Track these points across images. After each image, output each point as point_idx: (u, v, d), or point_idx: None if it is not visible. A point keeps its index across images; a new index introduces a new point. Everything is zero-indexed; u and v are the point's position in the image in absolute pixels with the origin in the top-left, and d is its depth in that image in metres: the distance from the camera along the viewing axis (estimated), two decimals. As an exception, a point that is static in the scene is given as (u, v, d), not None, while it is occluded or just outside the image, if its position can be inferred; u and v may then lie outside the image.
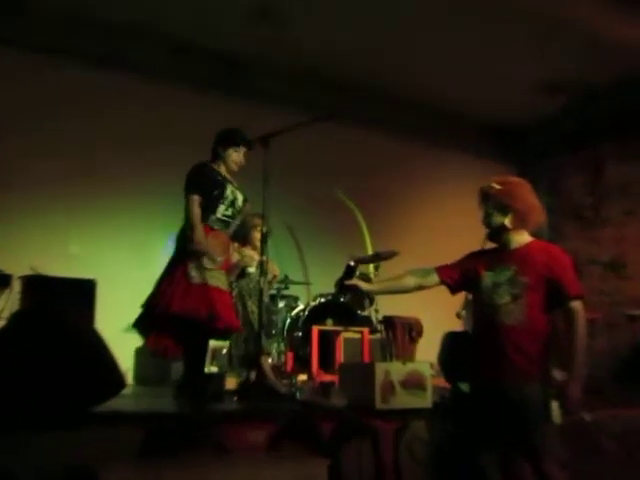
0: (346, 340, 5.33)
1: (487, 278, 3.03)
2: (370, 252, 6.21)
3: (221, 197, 3.86)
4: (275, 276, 5.01)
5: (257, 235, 4.22)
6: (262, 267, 3.79)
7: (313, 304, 5.31)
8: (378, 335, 5.65)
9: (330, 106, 6.23)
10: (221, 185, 3.86)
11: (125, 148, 5.97)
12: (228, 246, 3.95)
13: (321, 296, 5.41)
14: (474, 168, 7.71)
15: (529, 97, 7.22)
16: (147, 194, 5.92)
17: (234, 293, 4.40)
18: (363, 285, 3.12)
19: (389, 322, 5.76)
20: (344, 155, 6.98)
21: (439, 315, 5.51)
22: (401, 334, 5.57)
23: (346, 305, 5.34)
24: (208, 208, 3.81)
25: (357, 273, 4.06)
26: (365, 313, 5.65)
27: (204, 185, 3.78)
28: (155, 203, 5.81)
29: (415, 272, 3.09)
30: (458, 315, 5.53)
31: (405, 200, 7.65)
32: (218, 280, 3.77)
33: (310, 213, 6.80)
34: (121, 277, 5.58)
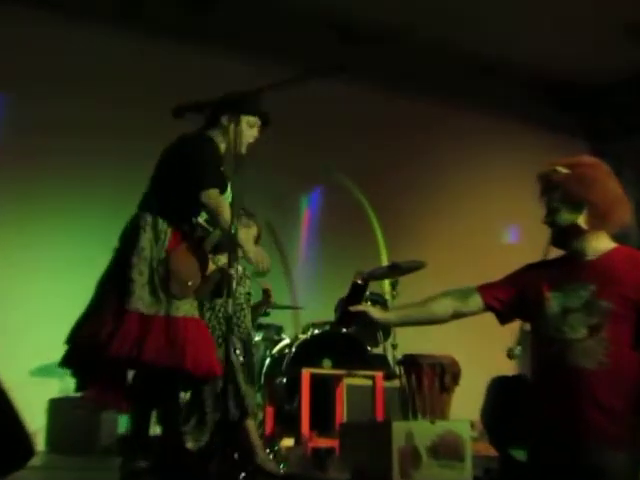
0: (351, 389, 5.56)
1: (553, 302, 3.06)
2: (385, 263, 6.45)
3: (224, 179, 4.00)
4: (269, 296, 5.26)
5: (244, 236, 4.16)
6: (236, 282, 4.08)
7: (303, 337, 5.40)
8: (396, 382, 5.65)
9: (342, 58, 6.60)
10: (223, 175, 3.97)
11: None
12: (207, 265, 4.04)
13: (315, 326, 5.53)
14: (532, 145, 7.97)
15: (611, 45, 7.57)
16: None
17: (207, 318, 4.52)
18: (375, 313, 3.12)
19: (412, 363, 5.61)
20: (344, 128, 7.33)
21: (482, 353, 5.88)
22: (429, 380, 5.47)
23: (351, 339, 5.43)
24: (190, 205, 3.89)
25: (367, 294, 4.31)
26: (378, 350, 5.80)
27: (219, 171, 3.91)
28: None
29: (449, 294, 3.11)
30: (510, 353, 5.53)
31: (434, 193, 7.96)
32: (187, 308, 3.86)
33: (298, 209, 7.20)
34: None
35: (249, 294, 4.99)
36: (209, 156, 3.90)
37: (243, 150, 3.95)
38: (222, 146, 4.03)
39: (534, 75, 8.17)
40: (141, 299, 3.70)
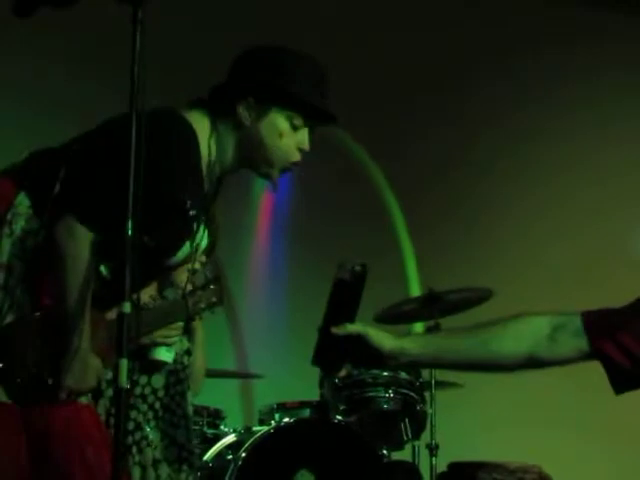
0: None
1: None
2: (417, 293, 5.83)
3: (190, 226, 3.05)
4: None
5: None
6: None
7: (261, 431, 4.50)
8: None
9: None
10: (199, 195, 3.09)
11: None
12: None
13: (282, 410, 4.71)
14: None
15: None
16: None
17: (100, 406, 3.67)
18: (385, 340, 2.39)
19: (465, 478, 4.79)
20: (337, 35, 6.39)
21: (601, 456, 5.38)
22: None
23: (351, 434, 4.51)
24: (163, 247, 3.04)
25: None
26: (402, 454, 4.97)
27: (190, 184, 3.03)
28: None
29: (531, 320, 2.46)
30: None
31: (499, 174, 6.85)
32: None
33: (249, 195, 6.29)
34: None
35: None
36: (180, 144, 3.02)
37: (275, 173, 3.01)
38: (229, 152, 3.06)
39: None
40: None
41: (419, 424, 4.76)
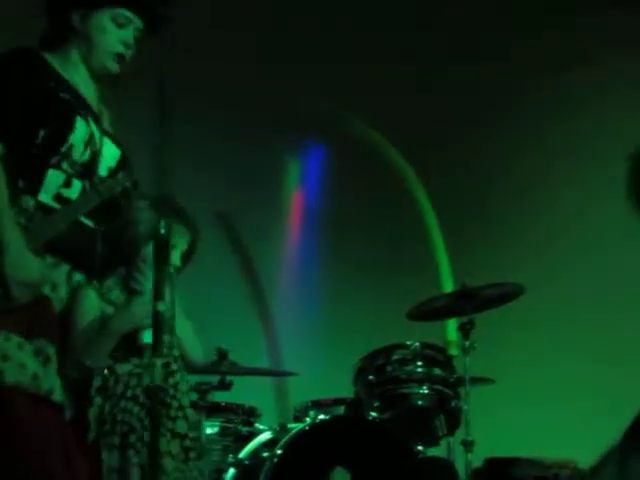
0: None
1: None
2: (450, 289, 5.74)
3: (60, 141, 3.26)
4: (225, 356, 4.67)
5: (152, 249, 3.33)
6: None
7: (296, 429, 4.44)
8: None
9: None
10: (65, 109, 3.28)
11: None
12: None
13: (317, 407, 4.71)
14: None
15: None
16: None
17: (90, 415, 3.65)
18: None
19: (500, 475, 4.89)
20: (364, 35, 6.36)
21: None
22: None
23: (385, 431, 4.43)
24: (23, 172, 3.24)
25: (416, 346, 4.27)
26: (437, 451, 4.95)
27: (15, 108, 3.23)
28: None
29: None
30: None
31: (532, 169, 6.76)
32: (22, 370, 3.06)
33: (279, 193, 6.36)
34: None
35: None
36: None
37: (111, 66, 3.36)
38: (82, 70, 3.39)
39: None
40: None
41: (454, 420, 4.75)
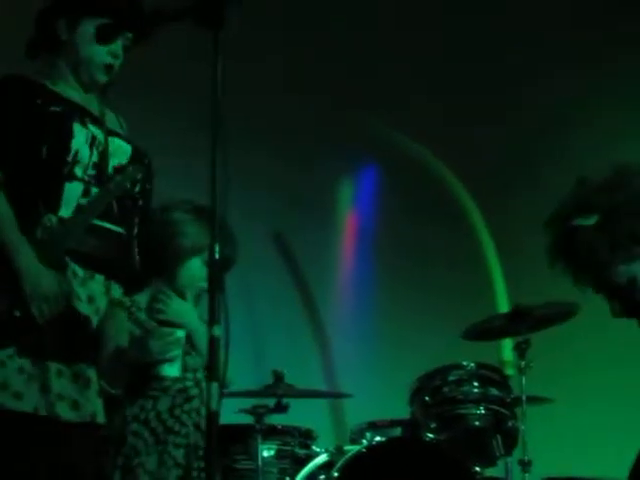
0: None
1: None
2: (504, 309, 5.60)
3: (64, 151, 3.26)
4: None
5: (196, 265, 3.74)
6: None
7: (353, 451, 4.47)
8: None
9: None
10: (58, 120, 3.30)
11: None
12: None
13: (374, 429, 4.72)
14: None
15: None
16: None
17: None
18: None
19: None
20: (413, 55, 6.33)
21: None
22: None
23: (442, 452, 4.46)
24: (40, 192, 3.25)
25: (472, 367, 4.28)
26: (495, 472, 4.93)
27: (11, 135, 3.27)
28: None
29: None
30: None
31: None
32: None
33: (333, 213, 6.41)
34: None
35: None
36: None
37: (100, 78, 3.38)
38: (72, 79, 3.41)
39: None
40: None
41: (511, 440, 4.69)
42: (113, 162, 3.38)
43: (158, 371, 3.79)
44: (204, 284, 3.76)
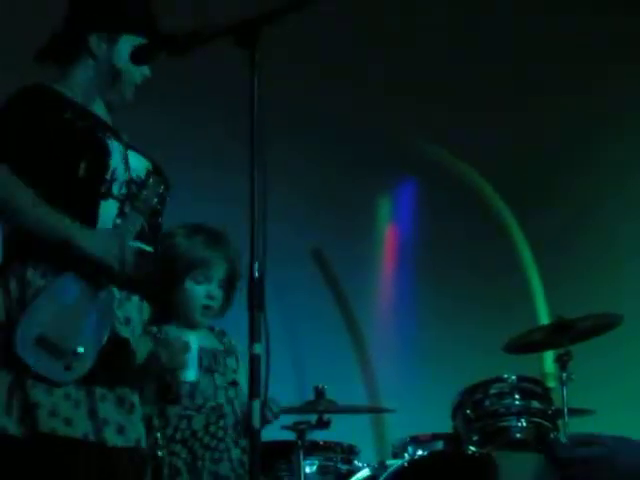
0: None
1: None
2: (546, 321, 5.71)
3: (103, 168, 3.18)
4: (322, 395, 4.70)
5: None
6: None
7: (396, 465, 4.46)
8: None
9: None
10: (91, 136, 3.21)
11: None
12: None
13: (417, 443, 4.72)
14: None
15: None
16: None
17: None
18: None
19: None
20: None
21: None
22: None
23: (491, 465, 4.41)
24: (74, 211, 3.12)
25: (513, 380, 4.35)
26: None
27: (42, 149, 3.16)
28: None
29: None
30: None
31: (630, 194, 6.71)
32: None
33: (373, 226, 6.41)
34: None
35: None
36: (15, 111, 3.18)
37: (130, 98, 3.36)
38: (91, 92, 3.32)
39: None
40: None
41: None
42: (135, 176, 3.36)
43: (183, 377, 3.81)
44: (205, 301, 3.84)
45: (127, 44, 3.28)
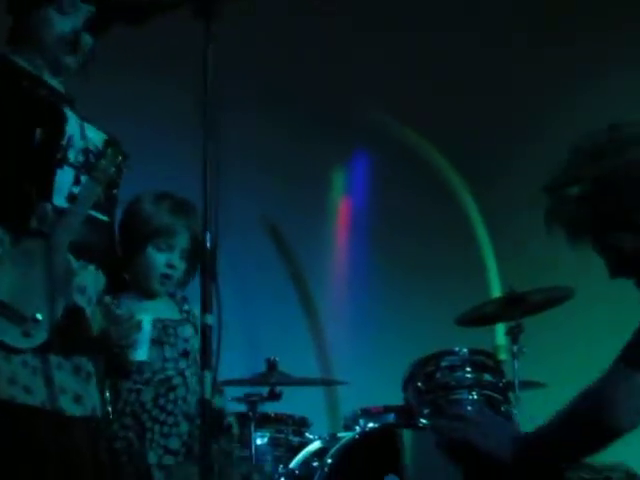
0: None
1: None
2: (498, 294, 5.78)
3: (59, 135, 3.17)
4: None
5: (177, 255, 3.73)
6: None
7: (347, 437, 4.46)
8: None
9: None
10: (48, 104, 3.23)
11: None
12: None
13: (367, 415, 4.74)
14: None
15: None
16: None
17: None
18: None
19: None
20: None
21: None
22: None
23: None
24: (31, 178, 3.15)
25: (465, 352, 4.26)
26: None
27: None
28: None
29: None
30: None
31: None
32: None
33: (327, 197, 6.44)
34: None
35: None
36: None
37: (64, 60, 3.25)
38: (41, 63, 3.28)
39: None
40: None
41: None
42: (92, 147, 3.34)
43: (134, 355, 3.76)
44: (165, 270, 3.77)
45: (48, 8, 3.24)
